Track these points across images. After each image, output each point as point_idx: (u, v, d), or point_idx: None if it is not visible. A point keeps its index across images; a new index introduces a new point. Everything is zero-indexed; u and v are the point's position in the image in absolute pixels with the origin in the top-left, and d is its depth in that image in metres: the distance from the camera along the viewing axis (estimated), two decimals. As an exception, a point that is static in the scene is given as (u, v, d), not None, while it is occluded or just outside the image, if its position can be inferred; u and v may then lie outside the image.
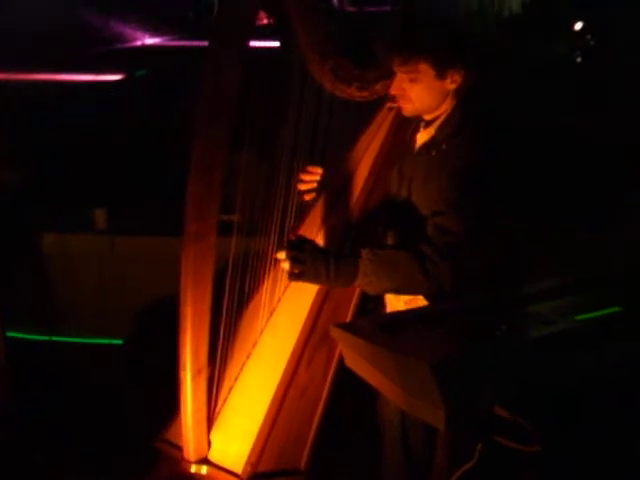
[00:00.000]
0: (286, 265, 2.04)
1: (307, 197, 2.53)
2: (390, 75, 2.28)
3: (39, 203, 4.61)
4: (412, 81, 2.20)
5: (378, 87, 2.40)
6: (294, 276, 2.06)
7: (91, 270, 4.23)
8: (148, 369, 3.34)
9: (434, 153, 2.24)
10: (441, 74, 2.18)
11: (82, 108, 8.51)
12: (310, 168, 2.52)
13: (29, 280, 4.13)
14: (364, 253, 2.08)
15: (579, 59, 13.84)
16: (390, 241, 2.38)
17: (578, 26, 14.79)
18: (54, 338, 4.11)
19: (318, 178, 2.54)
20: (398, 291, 2.22)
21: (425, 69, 2.17)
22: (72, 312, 4.21)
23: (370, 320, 1.74)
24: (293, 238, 2.09)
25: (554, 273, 1.92)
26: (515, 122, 2.36)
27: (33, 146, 5.96)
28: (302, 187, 2.50)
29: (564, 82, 9.67)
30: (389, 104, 2.61)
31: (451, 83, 2.20)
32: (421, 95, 2.21)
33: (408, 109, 2.27)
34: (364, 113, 2.68)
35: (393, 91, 2.24)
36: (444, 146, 2.22)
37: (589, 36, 14.54)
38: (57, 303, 4.14)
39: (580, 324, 1.62)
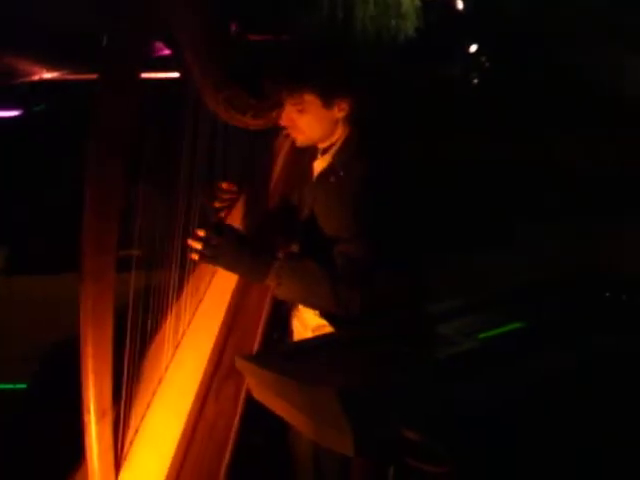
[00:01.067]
0: (199, 246, 2.08)
1: (221, 214, 2.51)
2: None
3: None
4: (300, 112, 2.21)
5: (273, 115, 2.39)
6: (205, 258, 2.09)
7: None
8: (53, 413, 3.24)
9: (332, 180, 2.25)
10: (328, 103, 2.19)
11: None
12: (224, 185, 2.50)
13: None
14: (281, 255, 2.12)
15: (475, 80, 14.22)
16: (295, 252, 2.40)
17: (473, 48, 15.22)
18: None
19: (233, 196, 2.53)
20: (304, 301, 2.25)
21: (311, 99, 2.18)
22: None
23: (274, 350, 1.73)
24: (214, 221, 2.10)
25: (452, 294, 1.95)
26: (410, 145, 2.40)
27: None
28: (217, 204, 2.49)
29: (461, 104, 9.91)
30: (285, 132, 2.62)
31: (339, 111, 2.21)
32: (311, 125, 2.22)
33: (300, 139, 2.28)
34: (261, 141, 2.68)
35: (283, 122, 2.26)
36: (342, 173, 2.23)
37: (484, 58, 14.97)
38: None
39: (483, 342, 1.64)
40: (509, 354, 1.62)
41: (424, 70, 11.53)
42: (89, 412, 1.70)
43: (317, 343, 1.75)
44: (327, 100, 2.18)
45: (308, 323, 2.36)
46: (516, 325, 1.71)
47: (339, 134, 2.27)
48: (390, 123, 2.42)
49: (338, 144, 2.28)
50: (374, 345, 1.68)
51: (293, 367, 1.57)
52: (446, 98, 10.20)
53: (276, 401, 1.60)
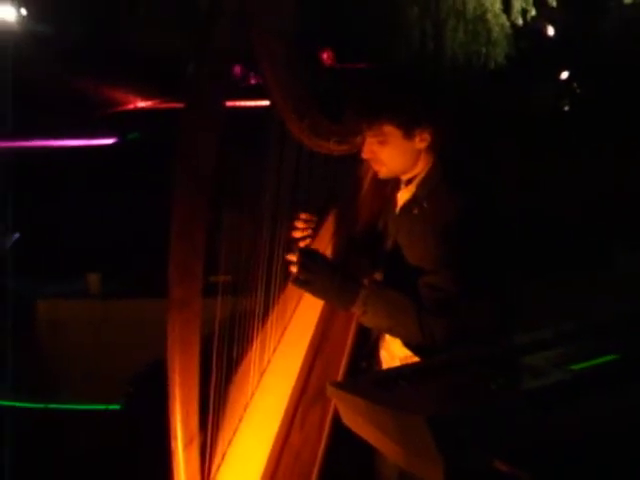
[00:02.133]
0: (294, 269, 2.11)
1: (302, 244, 2.52)
2: None
3: (33, 269, 4.60)
4: (381, 144, 2.19)
5: (358, 140, 2.38)
6: (299, 282, 2.12)
7: (86, 335, 4.21)
8: (147, 435, 3.29)
9: (416, 211, 2.24)
10: (408, 134, 2.16)
11: (75, 173, 8.55)
12: (303, 215, 2.52)
13: (23, 347, 4.10)
14: (368, 283, 2.13)
15: (567, 107, 14.00)
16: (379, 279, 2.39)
17: (564, 75, 15.02)
18: (50, 406, 4.07)
19: (312, 225, 2.55)
20: (389, 330, 2.24)
21: (391, 131, 2.16)
22: (68, 379, 4.17)
23: (366, 377, 1.73)
24: (308, 247, 2.17)
25: (544, 322, 1.92)
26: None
27: (26, 212, 5.98)
28: (296, 234, 2.50)
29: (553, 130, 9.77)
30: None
31: (420, 142, 2.18)
32: (392, 157, 2.21)
33: (383, 172, 2.27)
34: (345, 167, 2.68)
35: (364, 155, 2.24)
36: (425, 204, 2.21)
37: (575, 84, 14.75)
38: (53, 370, 4.11)
39: (576, 374, 1.61)
40: (602, 387, 1.58)
41: (516, 97, 11.41)
42: (176, 439, 1.72)
43: (407, 371, 1.73)
44: (407, 131, 2.16)
45: (396, 354, 2.35)
46: (610, 357, 1.67)
47: (422, 165, 2.25)
48: (474, 153, 2.40)
49: (421, 175, 2.26)
50: (465, 373, 1.66)
51: (384, 394, 1.56)
52: (539, 124, 10.06)
53: (366, 427, 1.59)
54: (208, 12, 1.69)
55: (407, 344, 2.21)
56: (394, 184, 2.41)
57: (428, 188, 2.23)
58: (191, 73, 1.66)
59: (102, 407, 4.09)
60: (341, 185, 2.80)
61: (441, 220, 2.14)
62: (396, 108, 2.15)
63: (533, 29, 14.84)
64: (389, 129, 2.16)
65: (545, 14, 13.35)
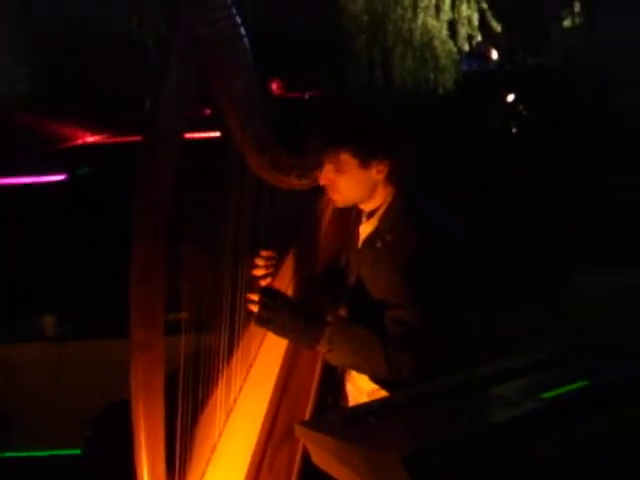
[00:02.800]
0: (255, 308, 2.10)
1: (263, 282, 2.49)
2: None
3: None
4: (337, 172, 2.19)
5: (318, 173, 2.36)
6: (261, 321, 2.12)
7: (42, 379, 4.12)
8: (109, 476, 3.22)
9: (379, 245, 2.23)
10: (364, 164, 2.17)
11: (24, 211, 8.40)
12: (264, 253, 2.49)
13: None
14: (333, 320, 2.13)
15: (514, 129, 14.20)
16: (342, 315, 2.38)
17: (510, 98, 15.24)
18: (6, 454, 3.97)
19: (273, 262, 2.52)
20: (356, 367, 2.23)
21: (347, 159, 2.17)
22: (24, 424, 4.06)
23: (334, 414, 1.70)
24: (269, 286, 2.16)
25: (506, 351, 1.91)
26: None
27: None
28: (257, 272, 2.47)
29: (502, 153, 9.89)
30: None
31: (377, 173, 2.19)
32: (348, 186, 2.21)
33: (338, 200, 2.27)
34: (305, 201, 2.66)
35: (321, 181, 2.25)
36: (388, 237, 2.20)
37: (521, 106, 14.97)
38: (7, 416, 4.01)
39: (546, 402, 1.59)
40: (574, 414, 1.57)
41: (464, 121, 11.54)
42: None
43: (375, 406, 1.71)
44: (364, 161, 2.16)
45: (363, 388, 2.33)
46: (580, 384, 1.66)
47: (382, 197, 2.24)
48: (432, 182, 2.40)
49: (383, 208, 2.25)
50: (434, 406, 1.64)
51: (353, 431, 1.53)
52: (487, 147, 10.18)
53: (338, 467, 1.56)
54: (163, 46, 1.71)
55: (374, 379, 2.19)
56: (356, 217, 2.40)
57: (390, 220, 2.23)
58: (148, 106, 1.66)
59: (61, 452, 4.00)
60: (302, 220, 2.78)
61: (403, 254, 2.14)
62: (353, 137, 2.16)
63: (478, 54, 15.09)
64: (345, 157, 2.16)
65: (489, 39, 13.56)
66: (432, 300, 2.11)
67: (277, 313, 2.10)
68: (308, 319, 2.12)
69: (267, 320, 2.11)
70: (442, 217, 2.26)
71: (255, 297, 2.13)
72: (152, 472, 1.69)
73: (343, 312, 2.38)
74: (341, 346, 2.11)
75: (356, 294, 2.29)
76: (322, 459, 1.61)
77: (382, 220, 2.25)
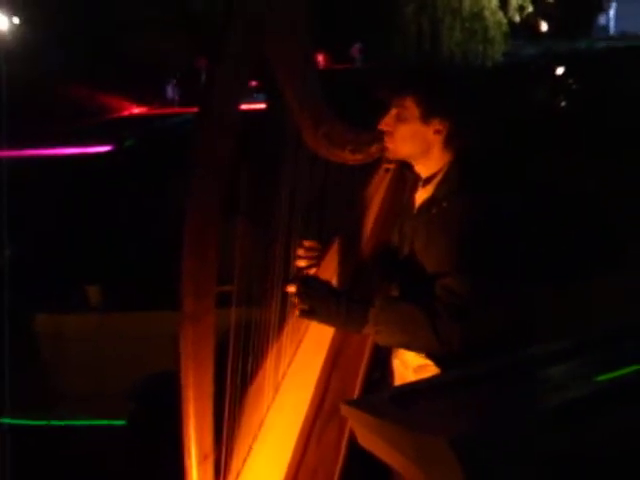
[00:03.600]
0: (295, 300, 2.07)
1: (308, 272, 2.46)
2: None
3: (31, 282, 4.55)
4: (399, 119, 2.18)
5: (373, 149, 2.36)
6: (304, 312, 2.07)
7: (86, 349, 4.16)
8: (152, 452, 3.25)
9: (434, 211, 2.19)
10: (425, 117, 2.15)
11: (71, 182, 8.50)
12: (306, 243, 2.46)
13: (22, 363, 4.05)
14: (377, 302, 2.07)
15: (563, 103, 13.99)
16: (394, 294, 2.33)
17: (560, 71, 15.01)
18: (53, 423, 4.01)
19: (316, 253, 2.49)
20: (406, 346, 2.19)
21: (411, 106, 2.15)
22: (70, 394, 4.12)
23: (382, 395, 1.67)
24: (307, 275, 2.13)
25: (561, 329, 1.87)
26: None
27: (25, 224, 5.93)
28: (301, 263, 2.44)
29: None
30: (385, 166, 2.56)
31: (435, 133, 2.16)
32: (404, 136, 2.18)
33: (390, 149, 2.24)
34: (360, 175, 2.63)
35: (381, 125, 2.22)
36: (445, 204, 2.16)
37: (571, 80, 14.75)
38: (54, 385, 4.06)
39: (600, 386, 1.55)
40: (629, 399, 1.52)
41: (512, 93, 11.39)
42: (190, 456, 1.69)
43: (423, 386, 1.67)
44: (425, 113, 2.15)
45: (409, 362, 2.30)
46: (636, 367, 1.61)
47: (440, 163, 2.21)
48: (490, 152, 2.35)
49: (440, 175, 2.22)
50: (482, 387, 1.60)
51: (402, 413, 1.49)
52: (535, 121, 10.04)
53: (383, 448, 1.53)
54: (223, 17, 1.69)
55: (424, 354, 2.16)
56: (412, 186, 2.36)
57: (447, 188, 2.18)
58: (206, 76, 1.66)
59: (105, 423, 4.04)
60: (356, 196, 2.75)
61: (459, 221, 2.10)
62: (423, 84, 2.17)
63: (527, 25, 14.86)
64: (410, 104, 2.15)
65: (540, 10, 13.33)
66: (485, 270, 2.06)
67: (318, 302, 2.07)
68: (351, 304, 2.08)
69: (309, 311, 2.08)
70: (503, 192, 2.22)
71: (293, 288, 2.08)
72: (199, 444, 1.69)
73: (395, 287, 2.34)
74: (388, 326, 2.06)
75: (409, 267, 2.25)
76: (368, 439, 1.58)
77: (438, 187, 2.21)
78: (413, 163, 2.28)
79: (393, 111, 2.19)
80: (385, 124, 2.21)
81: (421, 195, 2.29)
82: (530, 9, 11.89)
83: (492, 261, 2.07)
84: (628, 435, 1.48)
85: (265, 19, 1.78)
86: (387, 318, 2.06)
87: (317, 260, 2.48)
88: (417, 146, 2.19)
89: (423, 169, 2.26)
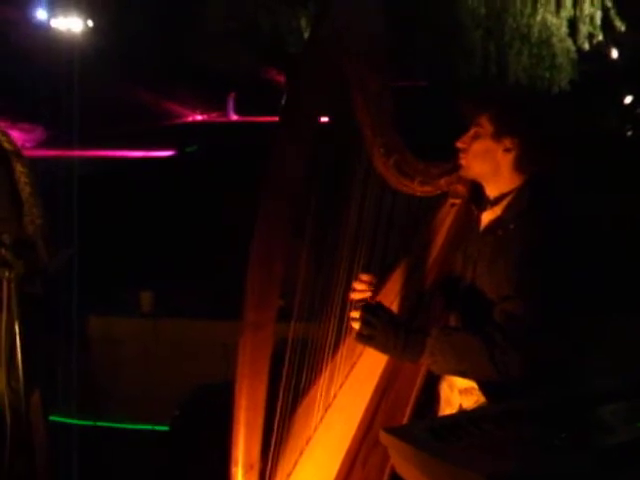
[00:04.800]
0: (357, 325, 2.09)
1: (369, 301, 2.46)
2: (452, 171, 2.32)
3: (86, 285, 4.62)
4: (474, 137, 2.20)
5: (442, 182, 2.35)
6: (363, 338, 2.09)
7: (137, 354, 4.21)
8: (194, 459, 3.27)
9: (500, 233, 2.18)
10: (497, 135, 2.17)
11: (132, 185, 8.60)
12: (363, 277, 2.45)
13: (74, 363, 4.11)
14: (434, 332, 2.07)
15: (630, 132, 13.76)
16: (453, 322, 2.32)
17: (628, 99, 14.77)
18: (98, 423, 4.07)
19: (372, 288, 2.49)
20: (463, 374, 2.17)
21: (485, 123, 2.18)
22: (117, 397, 4.16)
23: (422, 425, 1.66)
24: (371, 302, 2.13)
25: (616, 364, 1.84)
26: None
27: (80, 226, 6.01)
28: (355, 296, 2.44)
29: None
30: (451, 200, 2.56)
31: (505, 151, 2.17)
32: (476, 153, 2.20)
33: (463, 166, 2.25)
34: (426, 208, 2.62)
35: (459, 143, 2.24)
36: (512, 226, 2.16)
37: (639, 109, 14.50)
38: (102, 387, 4.11)
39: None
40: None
41: (579, 122, 11.25)
42: (237, 464, 1.72)
43: (466, 419, 1.66)
44: (498, 130, 2.17)
45: (456, 384, 2.28)
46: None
47: (509, 185, 2.20)
48: (561, 178, 2.34)
49: (509, 197, 2.21)
50: (525, 424, 1.58)
51: (440, 446, 1.49)
52: (602, 150, 9.88)
53: (419, 479, 1.53)
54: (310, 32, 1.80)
55: (481, 381, 2.15)
56: (476, 221, 2.36)
57: (516, 211, 2.18)
58: (286, 91, 1.72)
59: (149, 427, 4.08)
60: (421, 227, 2.74)
61: (525, 245, 2.09)
62: (497, 102, 2.23)
63: (597, 52, 14.65)
64: (484, 121, 2.18)
65: (611, 37, 13.13)
66: (549, 297, 2.05)
67: (378, 330, 2.08)
68: (409, 334, 2.08)
69: (368, 338, 2.09)
70: (571, 218, 2.22)
71: (356, 314, 2.11)
72: (247, 453, 1.71)
73: (455, 315, 2.33)
74: (444, 356, 2.06)
75: (471, 291, 2.24)
76: (404, 468, 1.58)
77: (506, 209, 2.21)
78: (484, 183, 2.28)
79: (472, 130, 2.21)
80: (462, 141, 2.23)
81: (488, 216, 2.28)
82: (600, 37, 11.72)
83: (555, 288, 2.06)
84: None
85: (346, 39, 1.81)
86: (443, 348, 2.06)
87: (372, 294, 2.47)
88: (487, 164, 2.20)
89: (492, 189, 2.25)
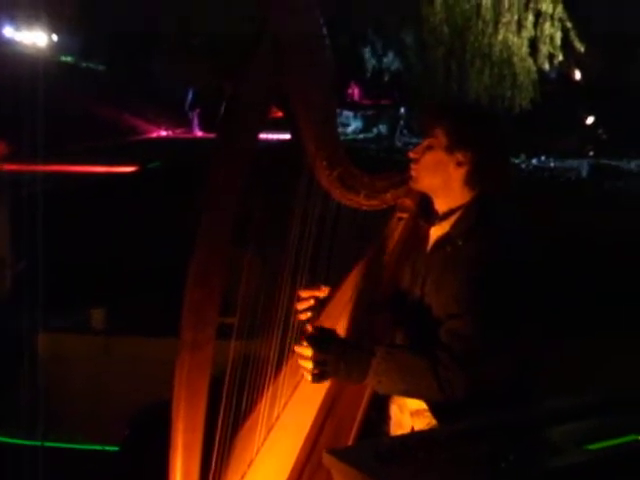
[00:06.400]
0: (308, 365, 2.01)
1: (303, 316, 2.37)
2: (400, 185, 2.32)
3: (34, 301, 4.53)
4: (427, 148, 2.20)
5: (388, 196, 2.34)
6: (315, 378, 2.04)
7: (87, 371, 4.14)
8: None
9: (449, 249, 2.17)
10: (450, 147, 2.16)
11: (88, 200, 8.52)
12: (303, 294, 2.38)
13: (21, 382, 4.03)
14: (379, 352, 2.04)
15: (591, 152, 13.92)
16: (400, 339, 2.28)
17: (590, 120, 14.96)
18: (46, 444, 3.98)
19: (317, 296, 2.44)
20: (408, 394, 2.16)
21: (440, 135, 2.17)
22: (66, 416, 4.08)
23: (366, 447, 1.63)
24: (315, 332, 2.06)
25: (565, 387, 1.82)
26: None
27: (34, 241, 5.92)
28: (299, 306, 2.39)
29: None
30: (399, 214, 2.54)
31: (457, 165, 2.16)
32: (428, 164, 2.19)
33: (414, 177, 2.24)
34: (372, 222, 2.60)
35: (411, 153, 2.24)
36: (460, 242, 2.15)
37: (600, 130, 14.69)
38: (50, 406, 4.02)
39: (592, 455, 1.50)
40: (620, 472, 1.47)
41: (540, 141, 11.37)
42: None
43: (412, 441, 1.63)
44: (451, 143, 2.16)
45: (406, 406, 2.25)
46: (631, 437, 1.56)
47: (458, 201, 2.20)
48: (509, 195, 2.34)
49: (458, 213, 2.20)
50: (473, 447, 1.56)
51: (383, 468, 1.46)
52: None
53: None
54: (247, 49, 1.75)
55: (426, 401, 2.13)
56: (423, 239, 2.34)
57: (464, 227, 2.17)
58: (227, 105, 1.70)
59: (99, 447, 4.00)
60: (367, 241, 2.71)
61: (473, 262, 2.09)
62: (452, 115, 2.24)
63: (560, 73, 14.82)
64: (439, 132, 2.18)
65: (572, 59, 13.30)
66: (496, 315, 2.03)
67: (329, 366, 2.02)
68: (353, 355, 2.04)
69: (320, 376, 2.03)
70: (519, 236, 2.23)
71: (306, 352, 2.01)
72: (185, 477, 1.69)
73: (401, 333, 2.30)
74: (389, 376, 2.03)
75: (418, 309, 2.22)
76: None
77: (455, 225, 2.20)
78: (433, 197, 2.27)
79: (425, 141, 2.21)
80: (414, 152, 2.23)
81: (436, 231, 2.26)
82: (560, 57, 11.84)
83: (503, 306, 2.05)
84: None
85: (286, 50, 1.80)
86: (388, 367, 2.03)
87: (315, 311, 2.43)
88: (438, 177, 2.20)
89: (442, 204, 2.24)
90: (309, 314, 2.38)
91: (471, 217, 2.18)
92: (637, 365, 4.10)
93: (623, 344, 4.52)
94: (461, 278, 2.08)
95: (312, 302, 2.37)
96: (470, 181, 2.18)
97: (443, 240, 2.21)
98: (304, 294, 2.35)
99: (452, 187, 2.19)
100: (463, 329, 2.02)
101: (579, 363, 4.13)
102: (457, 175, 2.17)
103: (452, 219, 2.21)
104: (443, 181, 2.20)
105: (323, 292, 2.42)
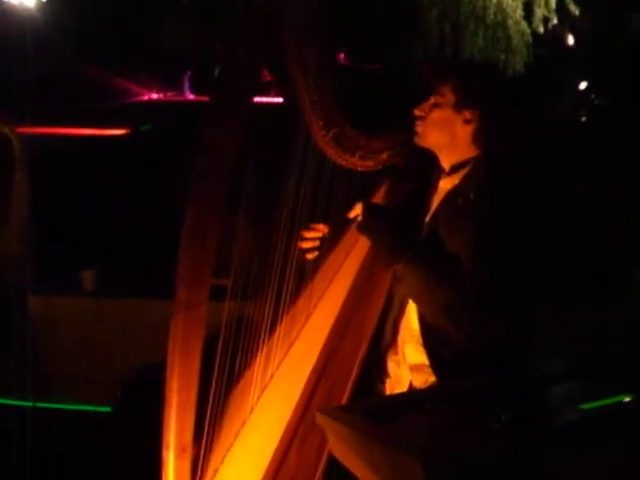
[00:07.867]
0: (358, 212, 2.19)
1: (309, 256, 2.42)
2: (396, 145, 2.34)
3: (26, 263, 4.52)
4: (434, 106, 2.22)
5: (384, 157, 2.36)
6: (363, 227, 2.21)
7: (78, 333, 4.14)
8: (136, 442, 3.21)
9: (460, 201, 2.20)
10: (458, 105, 2.19)
11: (80, 164, 8.47)
12: (313, 225, 2.43)
13: (13, 344, 4.02)
14: (418, 247, 2.16)
15: (584, 118, 13.89)
16: None
17: (583, 85, 14.91)
18: (38, 404, 3.98)
19: (321, 235, 2.46)
20: (421, 295, 2.18)
21: (446, 92, 2.20)
22: (58, 377, 4.09)
23: (358, 406, 1.64)
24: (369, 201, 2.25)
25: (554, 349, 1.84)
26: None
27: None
28: (304, 245, 2.40)
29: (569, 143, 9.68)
30: (395, 175, 2.54)
31: (464, 122, 2.19)
32: (435, 121, 2.22)
33: (419, 134, 2.26)
34: (368, 182, 2.59)
35: (416, 111, 2.25)
36: (472, 195, 2.18)
37: (593, 95, 14.64)
38: (42, 368, 4.02)
39: (584, 414, 1.50)
40: (610, 430, 1.48)
41: (532, 104, 11.32)
42: (168, 448, 1.69)
43: (406, 399, 1.64)
44: (458, 101, 2.19)
45: (407, 359, 2.28)
46: (623, 397, 1.56)
47: (466, 155, 2.23)
48: (518, 154, 2.35)
49: (467, 168, 2.23)
50: (465, 407, 1.57)
51: (377, 428, 1.47)
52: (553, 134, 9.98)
53: (356, 461, 1.50)
54: (240, 10, 1.74)
55: (433, 319, 2.17)
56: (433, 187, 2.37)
57: (474, 181, 2.20)
58: (220, 67, 1.70)
59: (91, 408, 4.01)
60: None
61: (486, 215, 2.12)
62: (460, 72, 2.28)
63: (553, 37, 14.72)
64: (445, 90, 2.20)
65: (566, 23, 13.21)
66: (505, 268, 2.09)
67: (377, 221, 2.18)
68: (398, 234, 2.17)
69: (367, 226, 2.19)
70: (528, 189, 2.27)
71: (358, 209, 2.19)
72: (179, 436, 1.69)
73: None
74: (418, 264, 2.12)
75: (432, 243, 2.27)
76: (340, 450, 1.57)
77: (465, 179, 2.24)
78: (438, 153, 2.29)
79: (431, 99, 2.23)
80: (420, 109, 2.25)
81: (445, 184, 2.30)
82: (555, 21, 11.75)
83: (513, 257, 2.10)
84: (608, 466, 1.44)
85: (282, 9, 1.79)
86: (420, 260, 2.13)
87: (320, 243, 2.45)
88: (445, 134, 2.23)
89: (447, 159, 2.27)
90: (316, 253, 2.42)
91: (480, 172, 2.21)
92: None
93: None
94: (474, 229, 2.12)
95: (317, 242, 2.38)
96: (476, 138, 2.21)
97: (454, 193, 2.24)
98: (307, 234, 2.37)
99: (458, 144, 2.23)
100: (477, 269, 2.07)
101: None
102: (464, 132, 2.21)
103: (461, 173, 2.24)
104: (449, 138, 2.23)
105: (324, 230, 2.45)
